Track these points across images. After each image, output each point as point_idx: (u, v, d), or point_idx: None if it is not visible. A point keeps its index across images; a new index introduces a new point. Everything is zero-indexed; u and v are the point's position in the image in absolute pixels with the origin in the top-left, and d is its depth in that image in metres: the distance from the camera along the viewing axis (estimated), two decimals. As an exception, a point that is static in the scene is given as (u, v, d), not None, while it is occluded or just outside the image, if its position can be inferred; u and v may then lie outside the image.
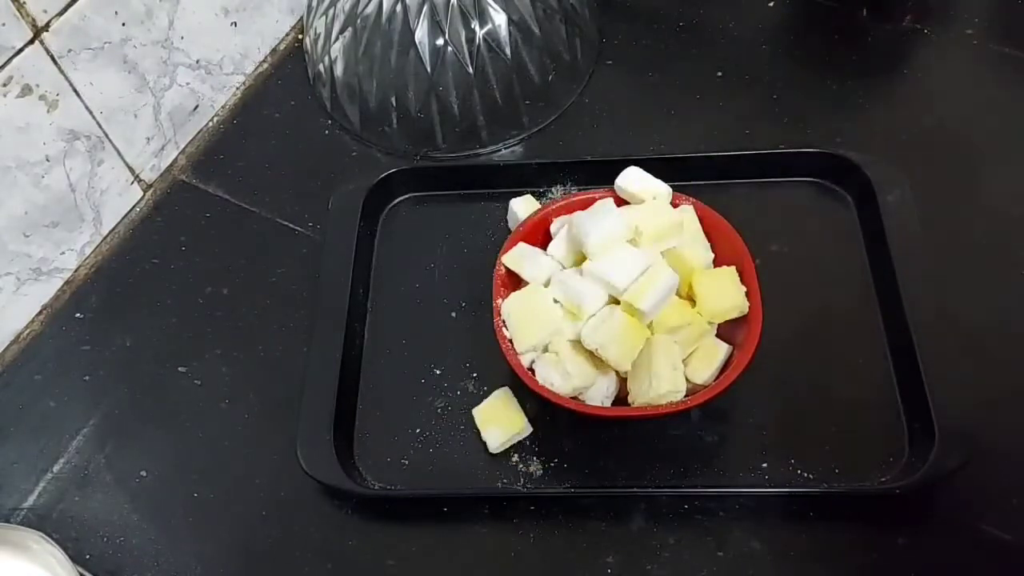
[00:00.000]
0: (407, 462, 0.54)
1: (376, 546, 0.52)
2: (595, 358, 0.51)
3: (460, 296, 0.60)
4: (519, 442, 0.54)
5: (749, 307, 0.51)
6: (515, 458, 0.53)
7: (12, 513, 0.54)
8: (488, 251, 0.58)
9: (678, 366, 0.50)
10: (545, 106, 0.68)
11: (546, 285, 0.54)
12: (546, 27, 0.66)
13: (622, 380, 0.52)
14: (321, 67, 0.69)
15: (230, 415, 0.57)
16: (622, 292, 0.50)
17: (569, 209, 0.57)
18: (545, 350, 0.52)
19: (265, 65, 0.74)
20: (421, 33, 0.63)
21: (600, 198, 0.56)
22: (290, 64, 0.75)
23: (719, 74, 0.70)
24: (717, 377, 0.51)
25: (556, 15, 0.67)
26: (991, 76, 0.68)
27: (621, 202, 0.56)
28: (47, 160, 0.58)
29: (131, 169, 0.66)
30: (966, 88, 0.67)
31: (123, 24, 0.60)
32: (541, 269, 0.54)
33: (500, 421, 0.54)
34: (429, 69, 0.64)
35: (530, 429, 0.54)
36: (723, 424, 0.53)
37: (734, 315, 0.52)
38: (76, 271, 0.64)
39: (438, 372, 0.57)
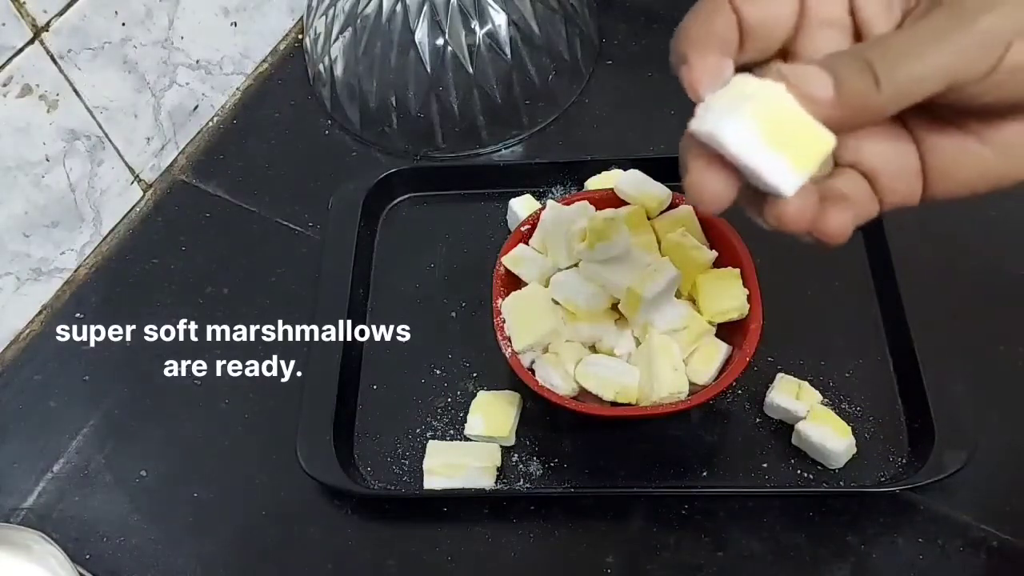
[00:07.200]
0: (407, 462, 0.54)
1: (376, 546, 0.52)
2: (614, 311, 0.52)
3: (460, 296, 0.60)
4: (519, 442, 0.54)
5: (749, 308, 0.51)
6: (515, 458, 0.53)
7: (12, 513, 0.54)
8: (488, 251, 0.58)
9: (679, 367, 0.50)
10: (545, 106, 0.68)
11: (545, 285, 0.54)
12: (546, 27, 0.66)
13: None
14: (321, 67, 0.69)
15: (230, 415, 0.57)
16: (622, 291, 0.50)
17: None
18: (545, 350, 0.52)
19: (265, 65, 0.74)
20: (421, 33, 0.63)
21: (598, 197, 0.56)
22: (290, 64, 0.74)
23: (719, 74, 0.70)
24: (717, 377, 0.51)
25: (556, 15, 0.67)
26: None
27: (620, 203, 0.56)
28: (47, 160, 0.58)
29: (131, 169, 0.66)
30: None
31: (123, 24, 0.60)
32: (541, 270, 0.54)
33: (490, 417, 0.53)
34: (429, 69, 0.64)
35: (513, 441, 0.53)
36: (723, 424, 0.53)
37: (734, 316, 0.52)
38: (76, 271, 0.64)
39: (438, 372, 0.57)
